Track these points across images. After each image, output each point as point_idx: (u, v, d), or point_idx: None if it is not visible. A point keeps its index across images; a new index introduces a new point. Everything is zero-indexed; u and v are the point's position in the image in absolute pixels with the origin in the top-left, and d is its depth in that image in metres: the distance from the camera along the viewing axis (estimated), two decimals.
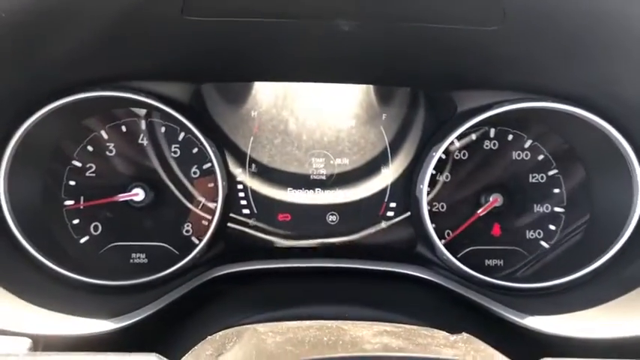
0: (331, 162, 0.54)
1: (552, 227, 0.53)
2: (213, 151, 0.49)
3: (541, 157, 0.53)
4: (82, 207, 0.50)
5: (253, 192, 0.52)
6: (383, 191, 0.53)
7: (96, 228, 0.50)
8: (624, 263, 0.45)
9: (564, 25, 0.36)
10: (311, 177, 0.53)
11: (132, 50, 0.40)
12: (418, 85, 0.51)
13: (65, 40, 0.34)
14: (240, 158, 0.52)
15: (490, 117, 0.48)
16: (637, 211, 0.45)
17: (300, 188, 0.53)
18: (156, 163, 0.51)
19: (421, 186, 0.49)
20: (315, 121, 0.53)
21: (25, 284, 0.41)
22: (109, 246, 0.50)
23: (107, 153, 0.51)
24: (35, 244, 0.44)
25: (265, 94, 0.53)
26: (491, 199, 0.52)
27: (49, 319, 0.39)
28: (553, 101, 0.47)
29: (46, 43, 0.33)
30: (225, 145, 0.52)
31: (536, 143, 0.53)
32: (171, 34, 0.39)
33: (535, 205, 0.53)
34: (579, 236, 0.50)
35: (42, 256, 0.44)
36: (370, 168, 0.54)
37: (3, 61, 0.32)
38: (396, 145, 0.52)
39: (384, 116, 0.54)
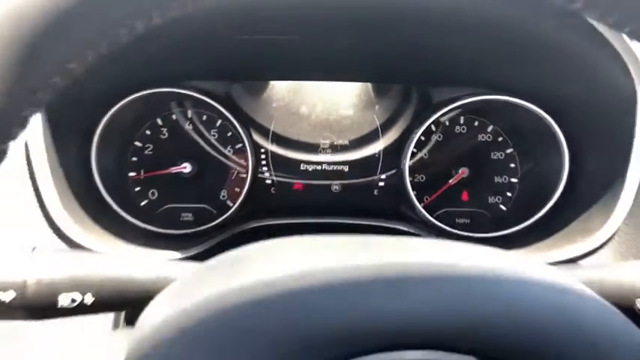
0: (334, 142, 0.67)
1: (509, 194, 0.66)
2: (244, 134, 0.62)
3: (500, 138, 0.66)
4: (142, 177, 0.64)
5: (275, 165, 0.66)
6: (375, 166, 0.66)
7: (153, 194, 0.64)
8: (555, 216, 0.59)
9: (500, 37, 0.49)
10: (319, 153, 0.67)
11: (191, 57, 0.54)
12: (403, 83, 0.64)
13: (149, 47, 0.47)
14: (264, 138, 0.65)
15: (458, 107, 0.61)
16: (564, 178, 0.58)
17: (310, 163, 0.67)
18: (199, 144, 0.65)
19: (404, 161, 0.63)
20: (322, 109, 0.67)
21: (111, 231, 0.54)
22: (164, 207, 0.65)
23: (161, 136, 0.64)
24: (115, 202, 0.58)
25: (282, 88, 0.66)
26: (460, 171, 0.65)
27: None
28: (506, 95, 0.60)
29: (138, 47, 0.46)
30: (253, 129, 0.65)
31: (496, 128, 0.66)
32: (220, 46, 0.52)
33: (495, 177, 0.66)
34: (526, 198, 0.63)
35: (121, 210, 0.58)
36: (365, 148, 0.66)
37: (110, 60, 0.45)
38: (385, 129, 0.65)
39: (376, 107, 0.67)
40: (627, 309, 0.36)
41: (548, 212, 0.58)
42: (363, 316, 0.24)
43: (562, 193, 0.57)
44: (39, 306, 0.35)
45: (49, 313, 0.35)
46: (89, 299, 0.37)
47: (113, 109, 0.57)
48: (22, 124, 0.23)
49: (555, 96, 0.55)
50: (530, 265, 0.27)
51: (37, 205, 0.48)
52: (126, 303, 0.36)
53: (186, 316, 0.25)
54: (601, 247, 0.49)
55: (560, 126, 0.57)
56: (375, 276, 0.25)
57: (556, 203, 0.58)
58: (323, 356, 0.23)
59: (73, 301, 0.36)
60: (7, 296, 0.34)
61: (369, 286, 0.24)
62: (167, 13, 0.22)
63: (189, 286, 0.28)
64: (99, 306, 0.36)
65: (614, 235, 0.48)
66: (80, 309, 0.36)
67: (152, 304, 0.30)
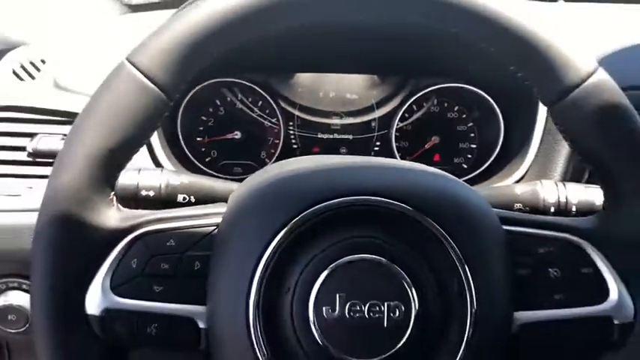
0: (342, 119, 0.91)
1: (469, 156, 0.87)
2: (279, 111, 0.87)
3: (464, 115, 0.88)
4: (206, 141, 0.89)
5: (299, 136, 0.90)
6: (372, 138, 0.86)
7: (214, 153, 0.86)
8: (494, 166, 0.82)
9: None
10: (331, 127, 0.91)
11: (250, 56, 0.77)
12: (392, 74, 0.88)
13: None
14: (292, 116, 0.90)
15: (431, 92, 0.85)
16: (500, 140, 0.82)
17: (325, 133, 0.91)
18: (246, 118, 0.86)
19: (392, 131, 0.87)
20: (334, 95, 0.90)
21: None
22: (221, 163, 0.85)
23: (219, 112, 0.87)
24: (194, 157, 0.84)
25: (305, 78, 0.86)
26: (432, 139, 0.88)
27: None
28: (463, 82, 0.84)
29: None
30: (284, 108, 0.88)
31: (461, 107, 0.89)
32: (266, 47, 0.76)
33: (460, 143, 0.89)
34: (479, 157, 0.87)
35: (198, 162, 0.84)
36: (365, 123, 0.86)
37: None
38: (379, 109, 0.86)
39: (374, 92, 0.91)
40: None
41: (490, 164, 0.83)
42: (345, 186, 0.48)
43: (498, 152, 0.82)
44: (166, 200, 0.60)
45: (169, 206, 0.59)
46: (192, 199, 0.62)
47: (192, 92, 0.83)
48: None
49: (495, 83, 0.79)
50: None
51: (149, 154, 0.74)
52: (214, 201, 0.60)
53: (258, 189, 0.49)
54: (518, 181, 0.73)
55: (497, 104, 0.81)
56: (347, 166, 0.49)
57: (495, 158, 0.82)
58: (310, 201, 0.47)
59: (184, 199, 0.61)
60: (150, 193, 0.60)
61: (346, 171, 0.48)
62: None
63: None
64: (198, 203, 0.61)
65: (525, 173, 0.73)
66: (188, 204, 0.61)
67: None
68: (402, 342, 0.44)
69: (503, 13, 0.43)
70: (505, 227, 0.48)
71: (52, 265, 0.43)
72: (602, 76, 0.45)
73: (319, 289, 0.44)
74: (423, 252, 0.45)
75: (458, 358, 0.44)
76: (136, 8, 1.05)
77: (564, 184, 0.61)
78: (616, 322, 0.46)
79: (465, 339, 0.44)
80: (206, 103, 0.87)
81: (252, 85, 0.85)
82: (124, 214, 0.48)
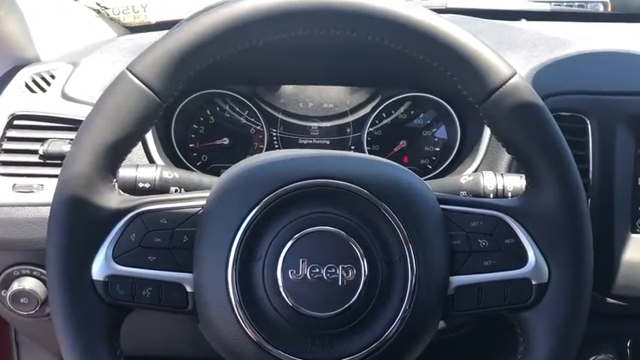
0: (320, 126, 1.01)
1: (434, 158, 0.96)
2: (263, 120, 0.96)
3: (428, 122, 0.97)
4: (197, 147, 0.98)
5: (282, 142, 0.99)
6: (347, 141, 0.94)
7: (204, 157, 0.95)
8: (453, 164, 0.91)
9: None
10: (310, 133, 1.00)
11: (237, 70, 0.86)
12: (363, 85, 0.97)
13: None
14: (275, 123, 0.99)
15: (398, 100, 0.95)
16: (457, 143, 0.91)
17: (304, 139, 0.98)
18: (233, 126, 0.96)
19: (363, 136, 0.97)
20: (312, 105, 0.99)
21: None
22: (210, 166, 0.93)
23: (209, 121, 0.97)
24: (187, 160, 0.93)
25: (286, 91, 0.96)
26: (400, 143, 0.97)
27: None
28: (426, 92, 0.94)
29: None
30: (268, 117, 0.97)
31: (425, 115, 0.97)
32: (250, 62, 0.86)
33: (425, 147, 0.98)
34: (441, 158, 0.96)
35: (190, 164, 0.93)
36: (341, 128, 0.94)
37: None
38: (353, 115, 0.94)
39: (348, 102, 1.01)
40: None
41: (449, 163, 0.92)
42: (309, 170, 0.57)
43: (456, 152, 0.92)
44: (160, 192, 0.69)
45: None
46: (182, 191, 0.71)
47: (184, 102, 0.93)
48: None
49: (451, 92, 0.90)
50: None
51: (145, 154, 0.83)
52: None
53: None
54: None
55: (454, 111, 0.91)
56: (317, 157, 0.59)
57: (453, 157, 0.92)
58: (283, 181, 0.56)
59: (176, 191, 0.71)
60: (146, 185, 0.69)
61: (310, 159, 0.58)
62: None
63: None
64: None
65: (477, 169, 0.83)
66: None
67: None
68: (354, 298, 0.53)
69: (440, 30, 0.53)
70: (442, 206, 0.58)
71: (65, 237, 0.52)
72: (518, 80, 0.54)
73: (286, 255, 0.53)
74: (372, 225, 0.54)
75: (401, 312, 0.54)
76: (133, 29, 1.17)
77: (502, 175, 0.71)
78: (534, 283, 0.56)
79: (407, 298, 0.53)
80: (197, 113, 0.97)
81: (239, 97, 0.95)
82: (124, 198, 0.57)
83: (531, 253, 0.55)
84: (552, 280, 0.55)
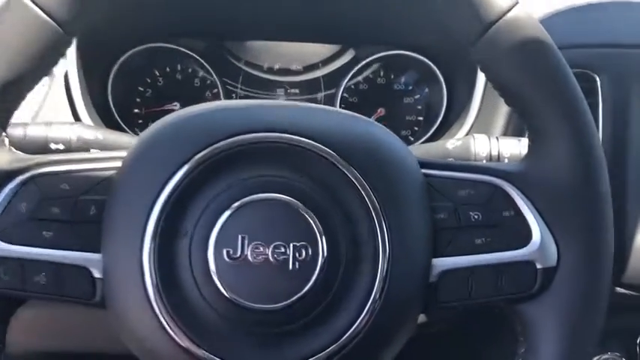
0: (288, 90, 0.88)
1: (416, 128, 0.86)
2: (219, 82, 0.84)
3: (410, 87, 0.88)
4: (143, 113, 0.85)
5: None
6: (318, 102, 0.84)
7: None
8: (439, 131, 0.81)
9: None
10: (276, 91, 0.86)
11: (179, 15, 0.74)
12: (336, 43, 0.86)
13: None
14: (235, 86, 0.87)
15: (375, 60, 0.83)
16: (443, 107, 0.80)
17: (271, 94, 0.86)
18: (186, 89, 0.82)
19: (336, 100, 0.84)
20: (279, 66, 0.88)
21: None
22: None
23: (158, 83, 0.85)
24: (130, 128, 0.80)
25: (250, 48, 0.86)
26: (378, 110, 0.85)
27: None
28: (406, 50, 0.82)
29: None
30: (226, 78, 0.85)
31: (407, 79, 0.85)
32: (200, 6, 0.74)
33: (407, 116, 0.87)
34: (425, 127, 0.85)
35: (133, 133, 0.80)
36: (312, 85, 0.84)
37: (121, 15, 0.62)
38: (325, 69, 0.84)
39: (319, 64, 0.88)
40: None
41: (434, 131, 0.81)
42: (253, 122, 0.45)
43: (442, 119, 0.80)
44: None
45: None
46: None
47: (123, 57, 0.79)
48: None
49: (435, 49, 0.78)
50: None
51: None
52: None
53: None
54: None
55: (440, 71, 0.79)
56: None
57: (439, 125, 0.80)
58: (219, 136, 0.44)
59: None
60: (59, 146, 0.56)
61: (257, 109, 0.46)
62: None
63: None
64: None
65: (469, 131, 0.71)
66: None
67: None
68: (308, 286, 0.41)
69: None
70: (424, 171, 0.46)
71: None
72: (519, 12, 0.43)
73: (220, 230, 0.41)
74: (333, 192, 0.42)
75: (369, 304, 0.42)
76: None
77: (497, 139, 0.59)
78: (538, 266, 0.44)
79: (378, 285, 0.41)
80: (143, 72, 0.84)
81: (192, 53, 0.82)
82: (15, 156, 0.45)
83: (536, 229, 0.44)
84: (562, 263, 0.44)
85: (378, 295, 0.42)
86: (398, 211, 0.43)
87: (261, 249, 0.41)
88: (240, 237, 0.41)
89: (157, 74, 0.85)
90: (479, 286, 0.45)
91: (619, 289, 0.67)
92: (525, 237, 0.44)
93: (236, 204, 0.41)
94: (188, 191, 0.41)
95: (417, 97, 0.86)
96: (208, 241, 0.41)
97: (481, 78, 0.73)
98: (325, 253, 0.41)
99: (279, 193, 0.42)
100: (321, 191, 0.42)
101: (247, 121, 0.43)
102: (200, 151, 0.41)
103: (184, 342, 0.41)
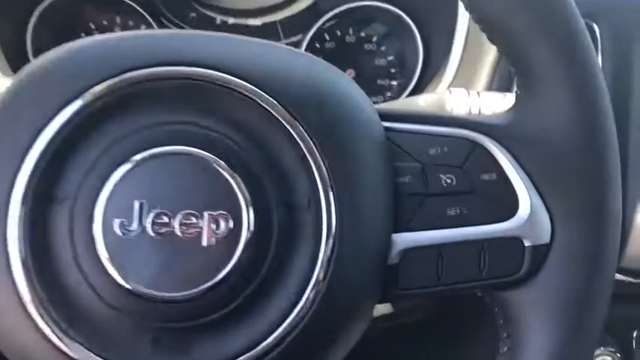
0: (239, 20, 0.76)
1: (389, 94, 0.77)
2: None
3: (383, 48, 0.78)
4: None
5: None
6: None
7: None
8: (416, 89, 0.73)
9: None
10: None
11: None
12: None
13: None
14: None
15: (340, 14, 0.73)
16: (419, 66, 0.71)
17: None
18: None
19: None
20: (234, 20, 0.78)
21: None
22: None
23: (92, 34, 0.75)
24: None
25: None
26: (347, 72, 0.77)
27: None
28: (379, 2, 0.73)
29: None
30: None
31: (379, 33, 0.76)
32: None
33: (379, 80, 0.78)
34: (399, 91, 0.76)
35: None
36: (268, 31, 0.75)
37: None
38: (282, 13, 0.76)
39: (279, 18, 0.79)
40: None
41: (410, 93, 0.72)
42: (160, 54, 0.34)
43: (419, 76, 0.71)
44: None
45: None
46: None
47: (46, 1, 0.69)
48: None
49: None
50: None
51: None
52: None
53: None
54: None
55: (414, 23, 0.70)
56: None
57: (416, 83, 0.71)
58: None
59: None
60: None
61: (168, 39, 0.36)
62: None
63: None
64: None
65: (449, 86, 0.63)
66: None
67: None
68: (227, 268, 0.32)
69: None
70: (386, 124, 0.36)
71: None
72: None
73: (110, 195, 0.32)
74: (264, 145, 0.33)
75: (307, 295, 0.32)
76: None
77: (478, 93, 0.49)
78: (527, 244, 0.35)
79: (320, 266, 0.32)
80: (74, 22, 0.74)
81: (132, 4, 0.71)
82: None
83: (524, 197, 0.36)
84: (557, 240, 0.36)
85: (320, 280, 0.33)
86: (348, 172, 0.34)
87: (165, 219, 0.32)
88: (137, 204, 0.32)
89: (93, 28, 0.74)
90: (451, 269, 0.35)
91: (616, 276, 0.57)
92: (511, 207, 0.36)
93: (132, 160, 0.31)
94: (69, 143, 0.32)
95: (391, 58, 0.77)
96: (94, 208, 0.31)
97: (461, 27, 0.63)
98: (251, 226, 0.32)
99: (190, 146, 0.32)
100: (247, 144, 0.33)
101: (148, 52, 0.33)
102: (84, 91, 0.31)
103: (61, 341, 0.31)
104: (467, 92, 0.49)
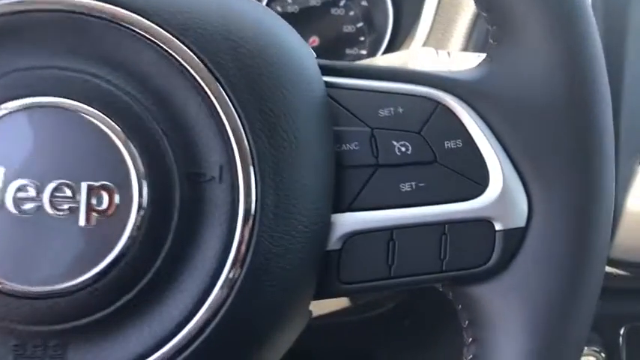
0: None
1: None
2: None
3: (352, 12, 0.71)
4: None
5: None
6: None
7: None
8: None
9: None
10: None
11: None
12: None
13: None
14: None
15: None
16: (390, 26, 0.65)
17: None
18: None
19: None
20: None
21: None
22: None
23: None
24: None
25: None
26: (311, 39, 0.71)
27: None
28: None
29: None
30: None
31: (348, 2, 0.71)
32: None
33: (347, 49, 0.72)
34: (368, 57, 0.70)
35: None
36: None
37: None
38: None
39: None
40: None
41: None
42: None
43: (389, 42, 0.64)
44: None
45: None
46: None
47: None
48: None
49: None
50: None
51: None
52: None
53: None
54: None
55: None
56: None
57: (386, 50, 0.64)
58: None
59: None
60: None
61: None
62: None
63: None
64: None
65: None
66: None
67: None
68: (113, 254, 0.25)
69: None
70: (326, 78, 0.29)
71: None
72: None
73: None
74: (164, 99, 0.26)
75: (218, 288, 0.25)
76: None
77: (448, 53, 0.42)
78: (498, 227, 0.28)
79: (234, 257, 0.25)
80: None
81: None
82: None
83: (496, 170, 0.30)
84: (535, 222, 0.29)
85: (236, 271, 0.26)
86: (274, 136, 0.27)
87: (32, 192, 0.24)
88: None
89: None
90: (404, 258, 0.29)
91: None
92: (479, 182, 0.29)
93: None
94: None
95: (360, 25, 0.69)
96: None
97: None
98: (144, 202, 0.25)
99: (65, 97, 0.24)
100: (142, 98, 0.26)
101: None
102: None
103: None
104: (436, 52, 0.42)
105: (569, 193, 0.28)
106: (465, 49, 0.54)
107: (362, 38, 0.70)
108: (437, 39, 0.56)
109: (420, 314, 0.63)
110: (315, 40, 0.69)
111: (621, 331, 0.59)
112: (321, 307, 0.49)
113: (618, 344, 0.59)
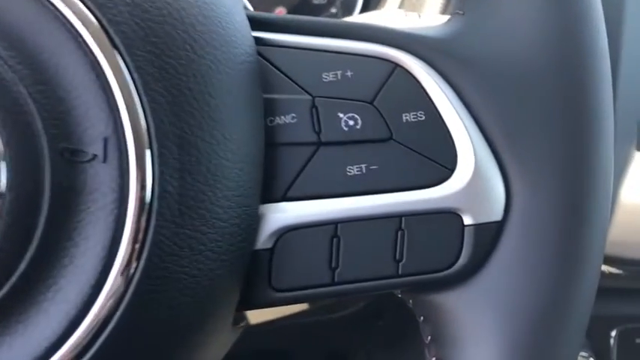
0: None
1: None
2: None
3: None
4: None
5: None
6: None
7: None
8: None
9: None
10: None
11: None
12: None
13: None
14: None
15: None
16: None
17: None
18: None
19: None
20: None
21: None
22: None
23: None
24: None
25: None
26: (277, 10, 0.65)
27: None
28: None
29: None
30: None
31: None
32: None
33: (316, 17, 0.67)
34: None
35: None
36: None
37: None
38: None
39: None
40: None
41: None
42: None
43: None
44: None
45: None
46: None
47: None
48: None
49: None
50: None
51: None
52: None
53: None
54: None
55: None
56: None
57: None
58: None
59: None
60: None
61: None
62: None
63: None
64: None
65: None
66: None
67: None
68: None
69: None
70: (256, 34, 0.23)
71: None
72: None
73: None
74: (33, 57, 0.20)
75: (105, 297, 0.20)
76: None
77: (419, 16, 0.36)
78: (468, 222, 0.22)
79: (125, 255, 0.19)
80: None
81: None
82: None
83: (466, 149, 0.24)
84: (514, 216, 0.24)
85: (125, 278, 0.20)
86: (182, 104, 0.21)
87: None
88: None
89: None
90: (351, 259, 0.23)
91: None
92: (445, 164, 0.23)
93: None
94: None
95: None
96: None
97: None
98: (2, 187, 0.19)
99: None
100: (6, 55, 0.19)
101: None
102: None
103: None
104: (405, 14, 0.36)
105: (558, 181, 0.23)
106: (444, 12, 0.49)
107: (334, 10, 0.65)
108: (412, 3, 0.51)
109: (395, 314, 0.58)
110: (281, 11, 0.64)
111: (612, 334, 0.54)
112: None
113: (609, 348, 0.54)
